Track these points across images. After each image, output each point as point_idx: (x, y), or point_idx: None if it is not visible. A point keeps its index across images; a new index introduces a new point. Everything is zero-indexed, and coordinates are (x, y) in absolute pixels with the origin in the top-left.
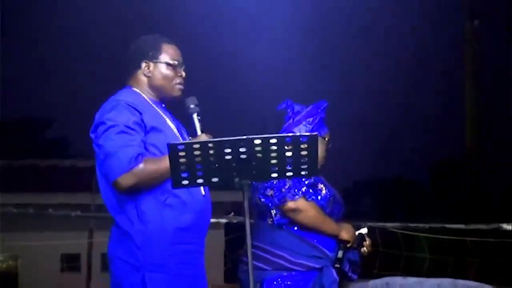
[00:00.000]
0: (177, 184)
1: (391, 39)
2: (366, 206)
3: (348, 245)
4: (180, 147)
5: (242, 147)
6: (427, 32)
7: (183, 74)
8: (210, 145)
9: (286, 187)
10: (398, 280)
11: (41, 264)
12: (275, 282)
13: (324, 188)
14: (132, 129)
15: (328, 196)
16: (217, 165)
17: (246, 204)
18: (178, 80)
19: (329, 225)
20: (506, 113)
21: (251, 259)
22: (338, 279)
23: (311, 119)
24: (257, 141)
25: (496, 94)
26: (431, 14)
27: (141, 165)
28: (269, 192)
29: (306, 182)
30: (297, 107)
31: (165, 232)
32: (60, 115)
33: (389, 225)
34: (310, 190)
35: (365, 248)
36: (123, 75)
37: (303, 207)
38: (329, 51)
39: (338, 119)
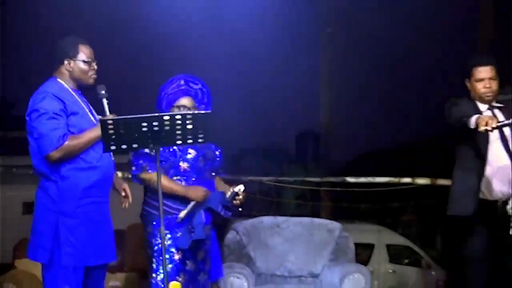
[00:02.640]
0: (107, 149)
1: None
2: (249, 165)
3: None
4: (109, 121)
5: (155, 121)
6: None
7: (95, 67)
8: (131, 120)
9: (140, 162)
10: (270, 219)
11: (8, 208)
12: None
13: (193, 151)
14: (59, 115)
15: (196, 156)
16: (136, 135)
17: (158, 164)
18: (91, 73)
19: (175, 189)
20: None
21: (161, 203)
22: (204, 221)
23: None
24: (166, 117)
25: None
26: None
27: (66, 142)
28: (132, 167)
29: (149, 157)
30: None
31: (77, 188)
32: (22, 95)
33: (264, 178)
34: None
35: (237, 201)
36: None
37: (147, 178)
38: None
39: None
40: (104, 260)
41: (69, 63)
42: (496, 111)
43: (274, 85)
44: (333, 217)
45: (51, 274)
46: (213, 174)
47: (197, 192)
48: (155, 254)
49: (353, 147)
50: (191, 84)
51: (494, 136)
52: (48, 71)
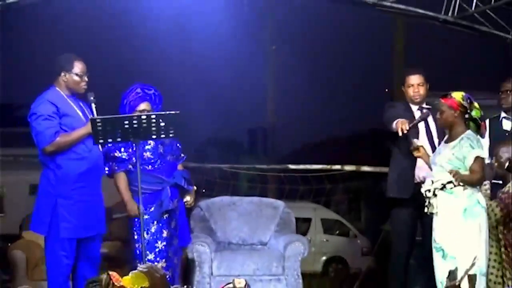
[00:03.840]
0: (96, 142)
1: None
2: (210, 154)
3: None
4: (98, 120)
5: (134, 120)
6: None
7: (86, 79)
8: (115, 119)
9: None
10: (227, 198)
11: (17, 189)
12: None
13: (152, 142)
14: (52, 116)
15: (155, 146)
16: (120, 131)
17: (137, 154)
18: (83, 84)
19: (124, 194)
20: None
21: (140, 186)
22: (170, 195)
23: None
24: (144, 117)
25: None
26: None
27: (58, 139)
28: (106, 168)
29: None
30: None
31: (71, 175)
32: (27, 99)
33: (223, 166)
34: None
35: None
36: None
37: (115, 178)
38: None
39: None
40: (95, 232)
41: (65, 75)
42: (425, 111)
43: (231, 87)
44: (278, 197)
45: (50, 244)
46: (173, 157)
47: (133, 206)
48: (135, 228)
49: (294, 140)
50: (146, 90)
51: (422, 130)
52: (47, 79)
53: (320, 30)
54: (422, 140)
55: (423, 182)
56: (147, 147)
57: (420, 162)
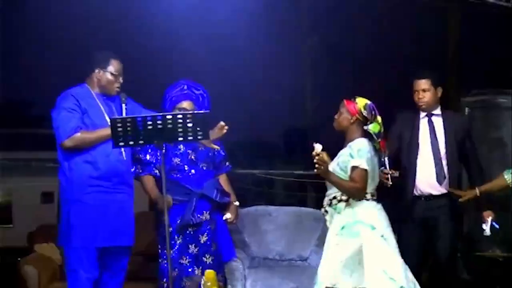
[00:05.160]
0: (116, 145)
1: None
2: (242, 159)
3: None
4: (118, 120)
5: (159, 120)
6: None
7: (121, 80)
8: (138, 119)
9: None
10: (262, 207)
11: (27, 198)
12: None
13: (182, 146)
14: (74, 110)
15: (185, 151)
16: (142, 132)
17: (162, 158)
18: (116, 85)
19: (151, 192)
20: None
21: (165, 192)
22: (193, 208)
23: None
24: (169, 117)
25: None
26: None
27: (78, 134)
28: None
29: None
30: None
31: (82, 178)
32: (37, 98)
33: (256, 171)
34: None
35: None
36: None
37: (140, 179)
38: None
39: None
40: (116, 242)
41: (99, 72)
42: (434, 118)
43: (263, 85)
44: (319, 206)
45: (66, 254)
46: (208, 165)
47: (161, 199)
48: (161, 241)
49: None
50: (193, 90)
51: (426, 139)
52: (59, 74)
53: (366, 21)
54: (424, 152)
55: (425, 196)
56: (177, 151)
57: (420, 175)
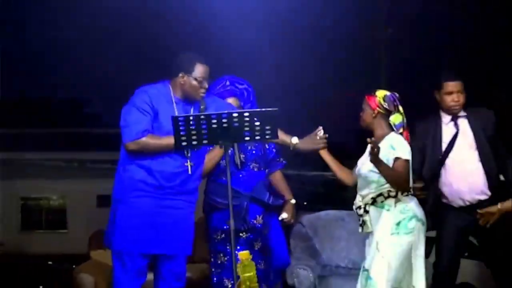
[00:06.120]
0: (178, 145)
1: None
2: (312, 160)
3: None
4: (180, 118)
5: (224, 119)
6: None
7: (206, 86)
8: (202, 117)
9: None
10: (334, 212)
11: (83, 201)
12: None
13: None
14: (146, 110)
15: (232, 151)
16: (206, 131)
17: (227, 158)
18: (202, 90)
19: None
20: None
21: (230, 198)
22: (244, 213)
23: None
24: (235, 115)
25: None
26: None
27: (144, 138)
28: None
29: None
30: (249, 88)
31: (133, 180)
32: (93, 95)
33: (327, 173)
34: None
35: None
36: (166, 73)
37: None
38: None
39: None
40: (163, 250)
41: (183, 77)
42: (460, 120)
43: (333, 81)
44: None
45: (112, 259)
46: (258, 165)
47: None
48: (212, 249)
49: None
50: (237, 85)
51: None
52: (122, 73)
53: (447, 9)
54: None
55: (473, 204)
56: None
57: (458, 183)
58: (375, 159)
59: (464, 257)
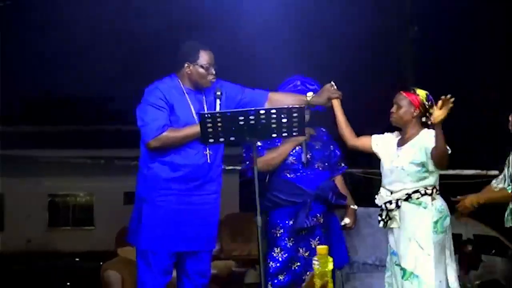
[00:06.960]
0: (205, 141)
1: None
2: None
3: None
4: (207, 115)
5: (251, 115)
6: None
7: (213, 72)
8: (228, 114)
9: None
10: (361, 209)
11: (110, 198)
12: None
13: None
14: (162, 106)
15: (300, 149)
16: (233, 128)
17: (254, 155)
18: (210, 77)
19: (282, 149)
20: None
21: (257, 194)
22: (309, 210)
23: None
24: (262, 112)
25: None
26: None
27: (164, 133)
28: (246, 162)
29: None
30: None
31: (158, 179)
32: (118, 92)
33: (354, 170)
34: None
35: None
36: (173, 67)
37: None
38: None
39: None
40: (189, 247)
41: (189, 67)
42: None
43: (359, 76)
44: None
45: (137, 257)
46: (324, 165)
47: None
48: (270, 243)
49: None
50: (307, 85)
51: None
52: (146, 69)
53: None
54: None
55: None
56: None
57: None
58: (439, 120)
59: (491, 254)
